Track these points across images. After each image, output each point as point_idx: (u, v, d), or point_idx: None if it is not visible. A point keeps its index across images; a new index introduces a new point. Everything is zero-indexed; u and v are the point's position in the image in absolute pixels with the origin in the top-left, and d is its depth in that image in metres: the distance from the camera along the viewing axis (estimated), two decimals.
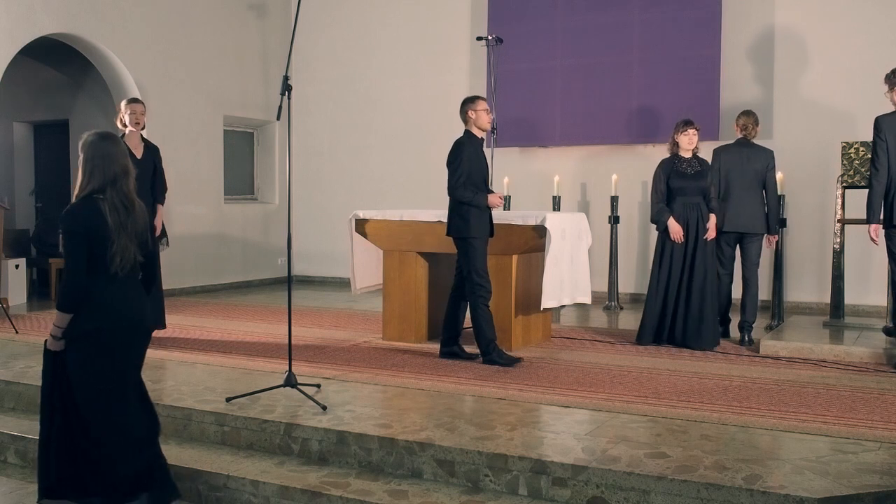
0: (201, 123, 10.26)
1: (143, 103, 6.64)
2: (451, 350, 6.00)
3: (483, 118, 5.86)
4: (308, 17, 10.56)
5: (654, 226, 6.71)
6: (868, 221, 5.78)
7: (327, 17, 11.05)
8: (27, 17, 8.43)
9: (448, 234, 5.88)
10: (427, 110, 10.50)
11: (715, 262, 6.61)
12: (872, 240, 5.78)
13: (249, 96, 10.88)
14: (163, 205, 6.68)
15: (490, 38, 8.87)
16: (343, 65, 11.09)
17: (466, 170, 5.74)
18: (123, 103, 6.60)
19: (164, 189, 6.71)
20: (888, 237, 5.78)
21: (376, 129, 10.87)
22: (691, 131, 6.50)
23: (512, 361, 5.76)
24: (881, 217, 5.73)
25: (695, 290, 6.43)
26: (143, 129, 6.60)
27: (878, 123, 5.89)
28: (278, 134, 11.30)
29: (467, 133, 5.90)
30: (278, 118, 4.90)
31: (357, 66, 10.97)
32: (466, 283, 5.83)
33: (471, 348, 5.96)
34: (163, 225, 6.70)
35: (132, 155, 6.27)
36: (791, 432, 4.16)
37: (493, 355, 5.77)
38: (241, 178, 11.23)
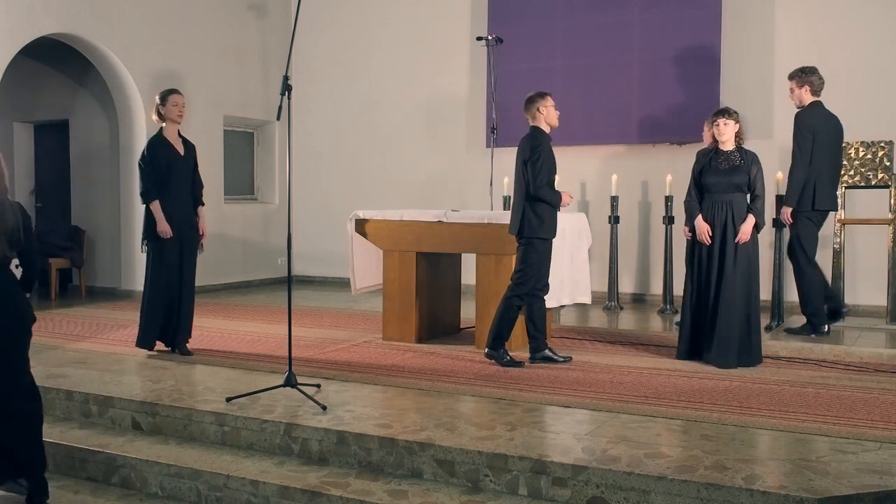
0: (201, 123, 10.25)
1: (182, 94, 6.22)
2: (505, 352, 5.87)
3: (553, 114, 5.96)
4: (308, 17, 10.56)
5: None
6: (787, 205, 6.60)
7: (327, 17, 11.05)
8: (27, 17, 8.42)
9: (518, 233, 5.75)
10: (427, 110, 10.50)
11: (751, 267, 5.78)
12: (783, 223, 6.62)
13: (249, 96, 10.88)
14: (203, 205, 6.33)
15: (490, 38, 8.87)
16: (343, 65, 11.09)
17: (547, 168, 5.79)
18: (163, 94, 6.13)
19: (202, 187, 6.35)
20: (797, 220, 6.59)
21: (376, 129, 10.86)
22: (720, 121, 5.83)
23: (566, 359, 5.90)
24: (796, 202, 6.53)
25: (722, 299, 5.72)
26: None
27: (801, 118, 6.61)
28: (278, 134, 11.30)
29: (538, 129, 5.89)
30: (278, 118, 4.90)
31: (357, 66, 10.97)
32: (520, 284, 5.74)
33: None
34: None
35: (174, 151, 6.11)
36: (791, 432, 4.15)
37: (547, 352, 5.88)
38: (241, 178, 11.22)
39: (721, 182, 5.80)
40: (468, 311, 6.93)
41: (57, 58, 10.16)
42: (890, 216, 7.02)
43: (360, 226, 6.75)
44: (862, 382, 5.28)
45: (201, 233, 6.28)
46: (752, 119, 8.82)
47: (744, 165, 5.79)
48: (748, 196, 5.84)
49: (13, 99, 10.63)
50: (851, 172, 7.12)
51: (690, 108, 8.87)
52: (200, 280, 10.23)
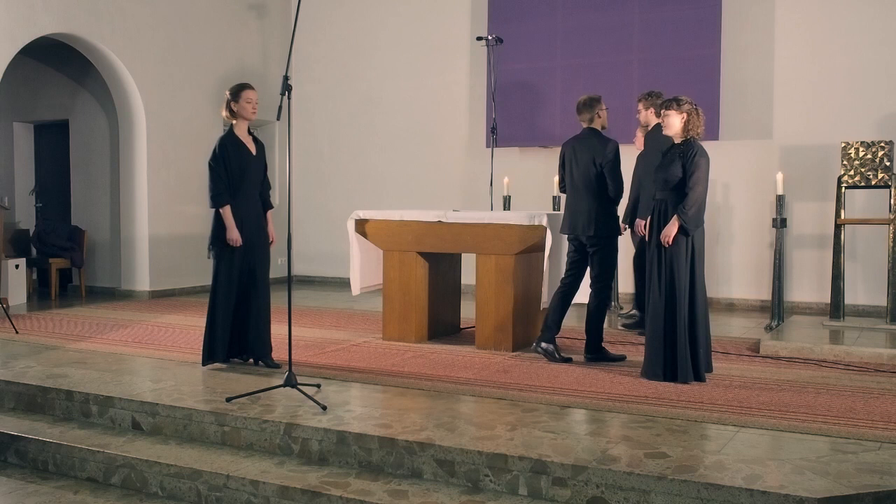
0: (201, 123, 10.26)
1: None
2: (553, 346, 5.95)
3: (606, 117, 6.08)
4: (308, 17, 10.57)
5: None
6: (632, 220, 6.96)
7: (327, 17, 11.05)
8: (27, 17, 8.43)
9: (598, 234, 5.82)
10: (427, 110, 10.51)
11: (671, 274, 5.22)
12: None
13: None
14: (273, 208, 5.90)
15: (490, 38, 8.88)
16: (343, 65, 11.09)
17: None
18: (235, 89, 5.54)
19: (269, 188, 5.90)
20: (632, 233, 6.97)
21: (376, 129, 10.87)
22: (664, 112, 5.40)
23: (619, 358, 5.94)
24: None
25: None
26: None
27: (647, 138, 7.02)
28: (278, 134, 11.30)
29: (599, 132, 5.97)
30: (278, 118, 4.90)
31: (357, 66, 10.98)
32: (601, 283, 5.87)
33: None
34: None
35: (246, 150, 5.59)
36: (791, 432, 4.15)
37: (604, 352, 5.93)
38: None
39: (656, 178, 5.42)
40: (468, 311, 6.93)
41: (57, 58, 10.16)
42: (890, 216, 7.02)
43: (361, 226, 6.75)
44: (862, 382, 5.27)
45: (270, 239, 5.81)
46: (752, 119, 8.83)
47: (672, 161, 5.29)
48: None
49: (13, 99, 10.63)
50: (851, 172, 7.11)
51: None
52: (200, 280, 10.30)
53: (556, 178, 8.84)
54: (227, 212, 5.50)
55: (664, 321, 5.25)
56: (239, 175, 5.54)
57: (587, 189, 5.87)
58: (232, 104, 5.53)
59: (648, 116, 7.05)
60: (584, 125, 5.99)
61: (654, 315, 5.28)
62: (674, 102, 5.33)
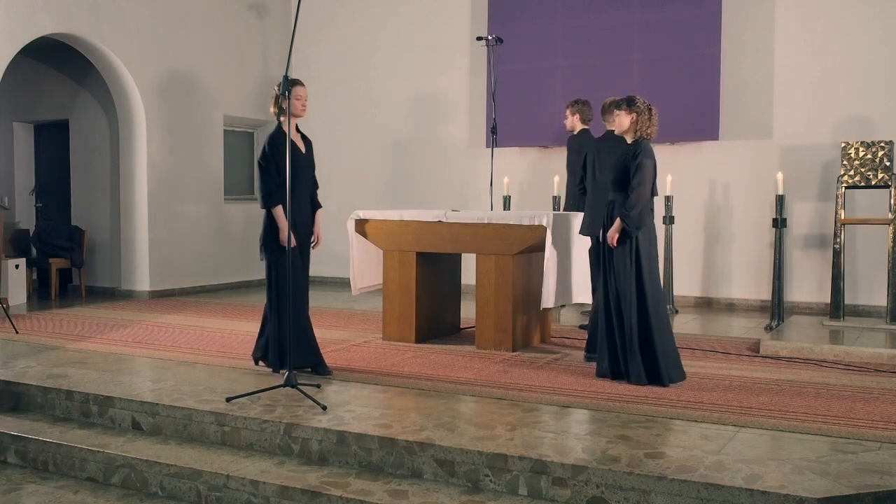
0: (201, 123, 10.26)
1: None
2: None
3: None
4: (308, 16, 10.57)
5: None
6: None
7: (327, 17, 11.05)
8: (27, 17, 8.43)
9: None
10: (427, 110, 10.51)
11: (616, 275, 5.28)
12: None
13: (249, 96, 10.88)
14: (321, 207, 5.71)
15: (490, 38, 8.87)
16: (343, 65, 11.09)
17: None
18: (283, 85, 5.17)
19: (317, 187, 5.68)
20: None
21: (376, 129, 10.87)
22: (615, 112, 5.45)
23: None
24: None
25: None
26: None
27: (570, 142, 7.17)
28: None
29: (614, 133, 6.00)
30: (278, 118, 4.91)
31: (357, 66, 10.98)
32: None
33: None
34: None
35: (296, 148, 5.37)
36: (791, 432, 4.15)
37: None
38: (241, 178, 11.23)
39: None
40: (468, 311, 6.93)
41: (57, 58, 10.16)
42: (890, 216, 7.02)
43: (360, 226, 6.75)
44: (862, 382, 5.28)
45: (315, 239, 5.64)
46: (752, 119, 8.83)
47: (619, 160, 5.33)
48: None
49: (13, 99, 10.63)
50: (851, 172, 7.11)
51: (690, 108, 8.88)
52: (201, 280, 10.31)
53: (557, 179, 8.90)
54: (279, 211, 5.28)
55: (605, 321, 5.32)
56: (290, 174, 5.22)
57: (609, 189, 5.79)
58: (281, 100, 5.29)
59: (574, 122, 7.23)
60: (608, 127, 6.05)
61: (599, 314, 5.38)
62: (624, 102, 5.33)
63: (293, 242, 5.17)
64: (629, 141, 5.33)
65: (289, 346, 4.99)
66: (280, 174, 5.24)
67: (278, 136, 5.34)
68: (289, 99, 5.11)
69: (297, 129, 5.49)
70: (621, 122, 5.31)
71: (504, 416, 4.45)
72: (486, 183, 8.66)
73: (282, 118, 5.34)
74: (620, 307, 5.23)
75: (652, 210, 5.39)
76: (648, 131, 5.29)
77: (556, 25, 9.55)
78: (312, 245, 5.64)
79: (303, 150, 5.47)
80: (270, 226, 5.36)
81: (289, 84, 5.13)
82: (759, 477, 3.49)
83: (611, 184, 5.35)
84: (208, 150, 10.39)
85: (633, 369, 5.19)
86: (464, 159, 10.21)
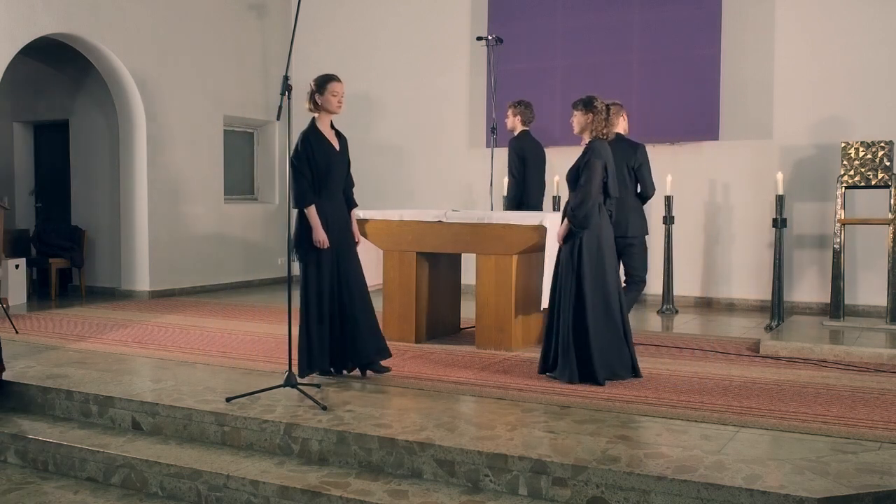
0: (201, 123, 10.26)
1: None
2: None
3: (626, 120, 6.75)
4: (308, 16, 10.56)
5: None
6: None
7: (327, 17, 11.05)
8: (27, 17, 8.43)
9: (633, 233, 6.37)
10: (427, 110, 10.51)
11: (557, 272, 5.38)
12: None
13: (249, 96, 10.89)
14: (357, 206, 5.57)
15: (490, 38, 8.87)
16: (343, 65, 11.07)
17: None
18: (320, 81, 5.15)
19: (353, 186, 5.50)
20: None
21: (376, 129, 10.87)
22: (573, 112, 5.44)
23: None
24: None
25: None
26: None
27: (511, 144, 7.39)
28: (278, 134, 11.31)
29: (622, 136, 6.48)
30: (278, 118, 4.90)
31: (357, 66, 10.97)
32: (636, 278, 6.57)
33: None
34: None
35: (330, 146, 5.24)
36: (791, 432, 4.15)
37: None
38: (241, 178, 11.23)
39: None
40: (468, 311, 6.93)
41: (57, 58, 10.16)
42: (890, 216, 7.02)
43: (361, 226, 6.73)
44: (862, 382, 5.27)
45: (357, 240, 5.49)
46: (752, 119, 8.83)
47: (577, 162, 5.33)
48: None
49: (13, 99, 10.64)
50: (851, 172, 7.11)
51: (690, 108, 8.88)
52: (201, 280, 10.31)
53: (557, 178, 8.89)
54: (312, 212, 5.13)
55: (547, 316, 5.47)
56: (323, 172, 5.18)
57: (619, 191, 5.84)
58: (316, 96, 5.17)
59: (515, 123, 7.41)
60: (613, 129, 6.22)
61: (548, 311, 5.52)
62: (581, 103, 5.33)
63: (326, 244, 5.13)
64: (585, 140, 5.33)
65: (289, 346, 4.98)
66: (312, 173, 5.15)
67: (311, 134, 5.21)
68: (288, 97, 5.09)
69: (332, 126, 5.32)
70: (575, 122, 5.34)
71: (504, 416, 4.45)
72: (486, 183, 8.66)
73: (316, 115, 5.23)
74: (558, 305, 5.31)
75: (611, 211, 5.36)
76: (604, 131, 5.32)
77: (556, 25, 9.55)
78: (357, 243, 5.49)
79: (337, 147, 5.28)
80: (303, 226, 5.19)
81: (326, 80, 5.18)
82: (759, 477, 3.49)
83: (567, 184, 5.39)
84: (208, 150, 10.39)
85: (562, 366, 5.23)
86: (464, 159, 10.21)
